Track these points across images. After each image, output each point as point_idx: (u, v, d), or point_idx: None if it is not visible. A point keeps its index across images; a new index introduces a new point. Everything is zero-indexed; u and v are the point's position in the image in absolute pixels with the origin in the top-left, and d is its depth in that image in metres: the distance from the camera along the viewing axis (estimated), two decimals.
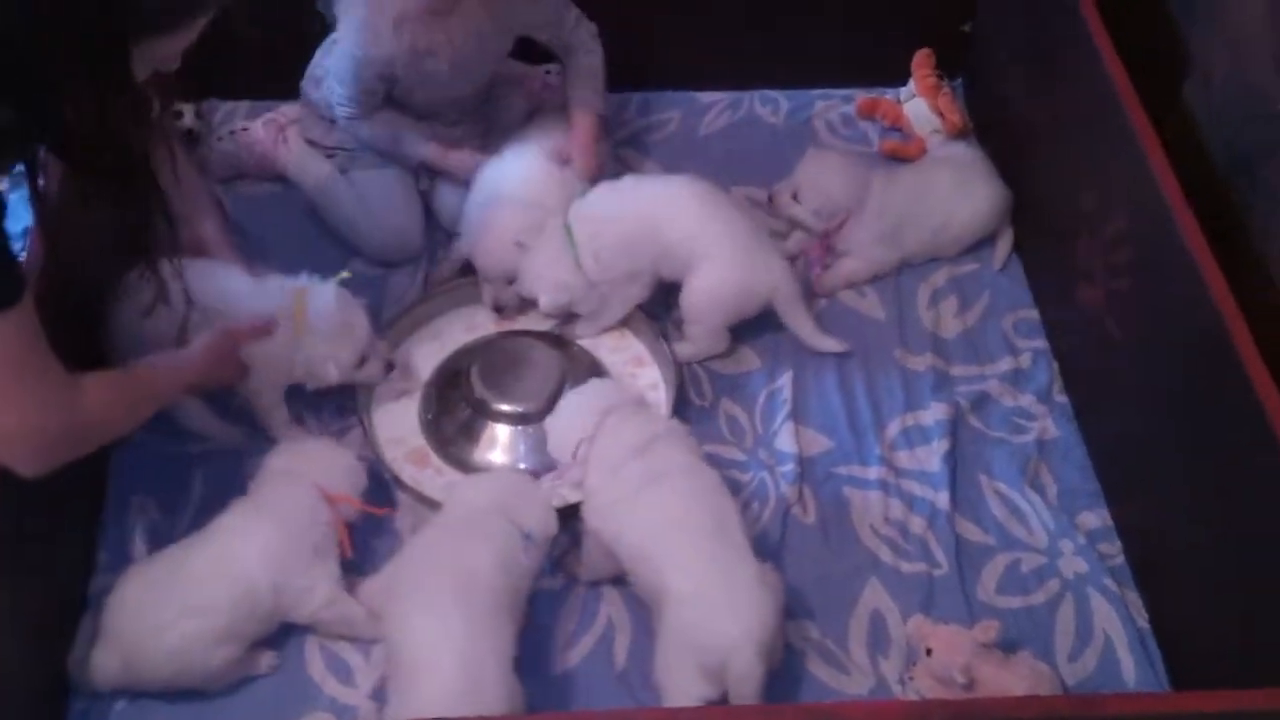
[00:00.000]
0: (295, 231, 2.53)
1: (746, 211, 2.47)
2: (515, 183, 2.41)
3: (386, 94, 2.41)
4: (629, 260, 2.33)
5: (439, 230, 2.52)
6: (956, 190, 2.53)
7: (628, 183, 2.43)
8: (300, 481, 1.98)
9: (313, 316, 2.12)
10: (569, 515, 2.02)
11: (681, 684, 1.80)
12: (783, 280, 2.33)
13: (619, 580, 2.01)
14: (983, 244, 2.57)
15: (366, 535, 2.07)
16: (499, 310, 2.41)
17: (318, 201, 2.53)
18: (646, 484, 1.93)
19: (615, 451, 1.98)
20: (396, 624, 1.83)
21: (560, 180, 2.43)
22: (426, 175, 2.55)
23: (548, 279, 2.32)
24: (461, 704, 1.69)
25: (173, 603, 1.84)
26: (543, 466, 2.14)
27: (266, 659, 1.94)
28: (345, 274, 2.22)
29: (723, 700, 1.78)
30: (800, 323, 2.35)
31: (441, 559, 1.87)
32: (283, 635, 1.96)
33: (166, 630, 1.83)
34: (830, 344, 2.36)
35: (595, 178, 2.44)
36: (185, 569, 1.88)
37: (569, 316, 2.40)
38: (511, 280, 2.36)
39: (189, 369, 1.98)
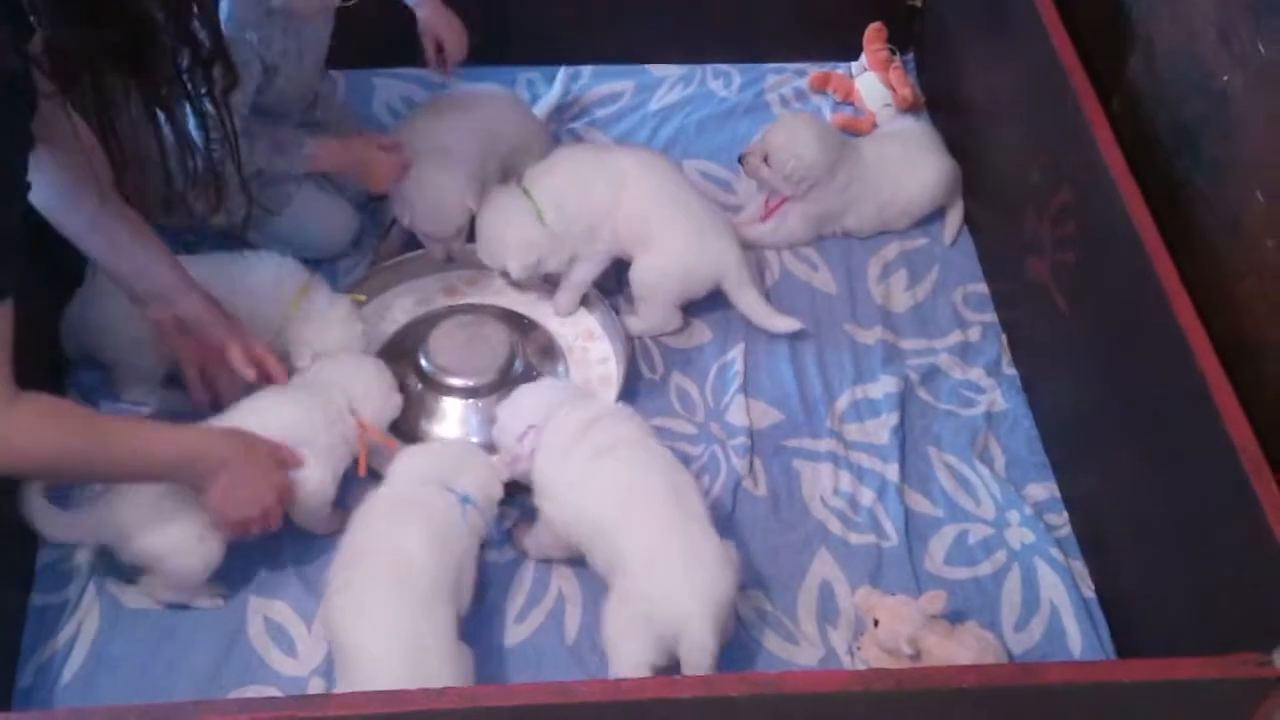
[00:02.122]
0: None
1: (700, 193, 2.45)
2: (438, 136, 2.35)
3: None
4: (592, 214, 2.30)
5: (381, 208, 2.46)
6: (904, 164, 2.53)
7: (587, 149, 2.41)
8: (333, 389, 2.01)
9: (308, 306, 2.14)
10: (519, 488, 2.02)
11: (632, 651, 1.80)
12: (733, 265, 2.32)
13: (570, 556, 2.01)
14: (933, 218, 2.58)
15: None
16: (451, 260, 2.37)
17: None
18: (596, 458, 1.92)
19: (564, 434, 1.96)
20: (333, 608, 1.82)
21: (484, 128, 2.39)
22: None
23: (511, 240, 2.29)
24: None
25: None
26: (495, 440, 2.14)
27: (213, 593, 1.96)
28: (361, 297, 2.25)
29: (673, 669, 1.78)
30: (751, 306, 2.34)
31: (373, 539, 1.86)
32: (221, 615, 1.95)
33: None
34: (785, 324, 2.34)
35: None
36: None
37: (543, 287, 2.38)
38: (461, 230, 2.33)
39: (175, 443, 1.76)
